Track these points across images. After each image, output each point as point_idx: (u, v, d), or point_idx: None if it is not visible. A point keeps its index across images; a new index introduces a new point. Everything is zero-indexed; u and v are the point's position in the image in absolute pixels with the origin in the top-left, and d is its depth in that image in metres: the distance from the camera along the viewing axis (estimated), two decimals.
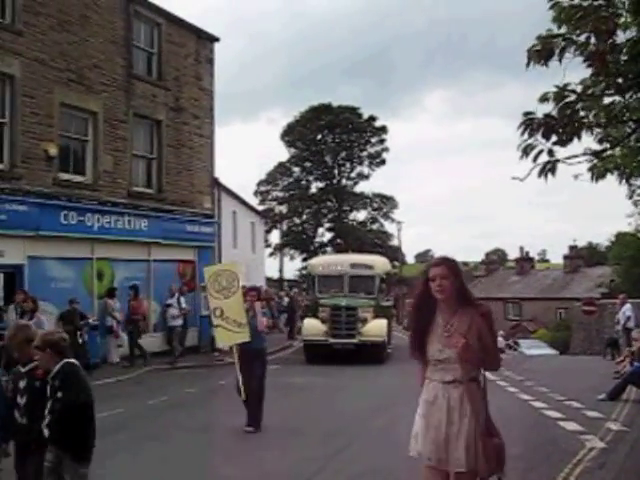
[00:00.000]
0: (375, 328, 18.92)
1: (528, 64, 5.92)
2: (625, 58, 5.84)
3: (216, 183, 23.65)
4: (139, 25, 20.31)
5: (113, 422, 10.50)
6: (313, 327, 19.15)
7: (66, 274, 17.18)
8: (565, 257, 56.08)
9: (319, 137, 66.51)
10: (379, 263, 21.69)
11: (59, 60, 17.15)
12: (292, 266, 66.09)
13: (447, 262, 4.27)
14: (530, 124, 5.87)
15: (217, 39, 23.29)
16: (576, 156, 6.15)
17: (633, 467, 7.64)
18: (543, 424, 10.26)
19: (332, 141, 66.79)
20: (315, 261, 23.53)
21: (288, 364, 18.55)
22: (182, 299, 19.18)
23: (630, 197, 17.54)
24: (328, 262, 21.81)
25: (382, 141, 66.94)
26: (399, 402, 11.36)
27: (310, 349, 19.32)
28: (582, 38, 5.82)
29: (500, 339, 35.34)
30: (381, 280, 20.39)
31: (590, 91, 6.02)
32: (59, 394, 4.84)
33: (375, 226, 68.56)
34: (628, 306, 20.54)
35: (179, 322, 18.95)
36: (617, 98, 6.28)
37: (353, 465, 7.85)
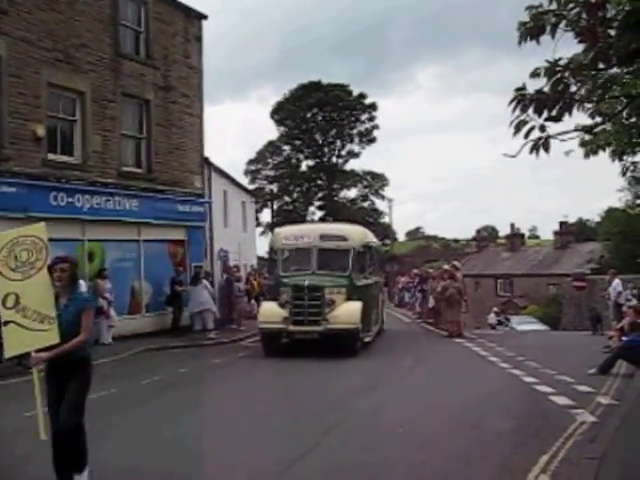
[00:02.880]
0: (346, 313, 15.57)
1: (520, 42, 5.90)
2: (615, 32, 5.83)
3: (206, 162, 23.53)
4: (126, 3, 20.06)
5: (109, 402, 10.56)
6: (270, 312, 15.96)
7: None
8: (555, 233, 56.32)
9: (309, 115, 66.44)
10: (355, 234, 18.05)
11: (46, 39, 16.96)
12: None
13: None
14: (522, 100, 5.85)
15: (205, 17, 23.07)
16: (568, 132, 6.15)
17: (623, 441, 7.71)
18: (534, 399, 10.35)
19: (322, 119, 66.74)
20: (279, 232, 19.38)
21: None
22: (82, 282, 16.61)
23: (623, 174, 17.53)
24: (294, 233, 17.95)
25: (372, 118, 66.96)
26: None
27: (268, 338, 16.15)
28: (573, 13, 5.81)
29: (492, 315, 35.54)
30: (358, 254, 16.96)
31: (580, 63, 6.00)
32: None
33: (366, 204, 68.79)
34: (617, 281, 20.71)
35: None
36: (608, 71, 6.28)
37: (347, 441, 7.90)
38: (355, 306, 15.88)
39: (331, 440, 7.99)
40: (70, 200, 17.26)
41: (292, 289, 15.82)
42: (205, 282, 20.04)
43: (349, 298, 15.97)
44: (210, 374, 13.78)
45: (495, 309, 38.17)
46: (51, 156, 17.18)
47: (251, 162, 69.44)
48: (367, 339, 16.89)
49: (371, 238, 20.03)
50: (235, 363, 15.24)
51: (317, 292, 15.64)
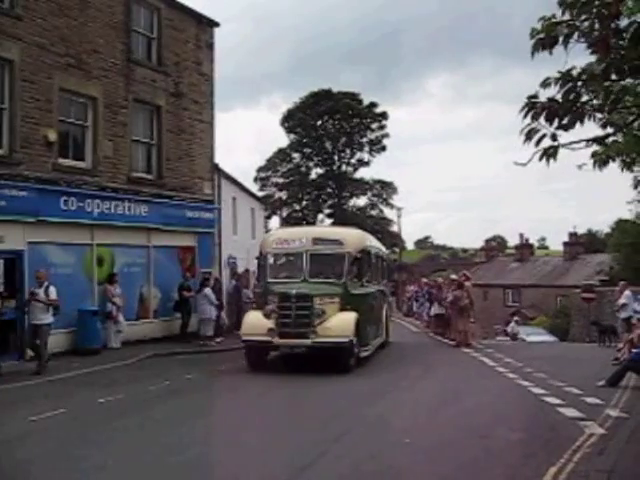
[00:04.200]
0: (337, 325, 14.17)
1: (533, 53, 5.90)
2: (628, 43, 5.82)
3: (216, 169, 23.57)
4: (139, 10, 20.16)
5: (116, 407, 10.57)
6: (254, 323, 14.65)
7: (66, 260, 17.18)
8: (565, 244, 56.14)
9: (319, 123, 66.54)
10: (352, 238, 16.47)
11: (58, 45, 17.05)
12: None
13: None
14: (533, 107, 5.84)
15: (217, 24, 23.15)
16: (579, 141, 6.13)
17: (632, 453, 7.67)
18: (542, 410, 10.29)
19: (332, 127, 66.80)
20: (269, 235, 18.41)
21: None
22: (52, 288, 14.52)
23: (635, 187, 17.31)
24: (284, 236, 16.54)
25: (382, 127, 66.98)
26: None
27: (252, 352, 14.85)
28: (586, 24, 5.80)
29: (513, 324, 35.12)
30: (354, 260, 15.52)
31: (592, 73, 5.99)
32: None
33: (375, 212, 68.66)
34: (626, 293, 20.44)
35: (49, 319, 14.43)
36: (620, 82, 6.27)
37: (354, 450, 7.87)
38: (348, 317, 14.50)
39: (339, 448, 7.97)
40: (80, 205, 17.31)
41: (279, 297, 14.50)
42: (206, 290, 19.90)
43: (343, 308, 14.63)
44: (217, 381, 13.78)
45: (516, 318, 37.65)
46: (62, 161, 17.24)
47: (261, 169, 69.52)
48: (364, 354, 15.43)
49: (371, 243, 18.64)
50: (242, 370, 15.17)
51: (306, 301, 14.29)
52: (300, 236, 16.18)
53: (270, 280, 15.44)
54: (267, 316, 14.50)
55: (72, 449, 7.94)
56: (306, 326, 14.12)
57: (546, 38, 5.79)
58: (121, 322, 17.96)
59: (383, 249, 22.02)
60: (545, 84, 6.06)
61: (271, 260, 16.01)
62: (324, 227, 22.30)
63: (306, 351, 14.45)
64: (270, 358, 15.47)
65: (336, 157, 68.16)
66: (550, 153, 5.95)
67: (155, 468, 7.23)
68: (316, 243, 15.57)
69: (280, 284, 15.14)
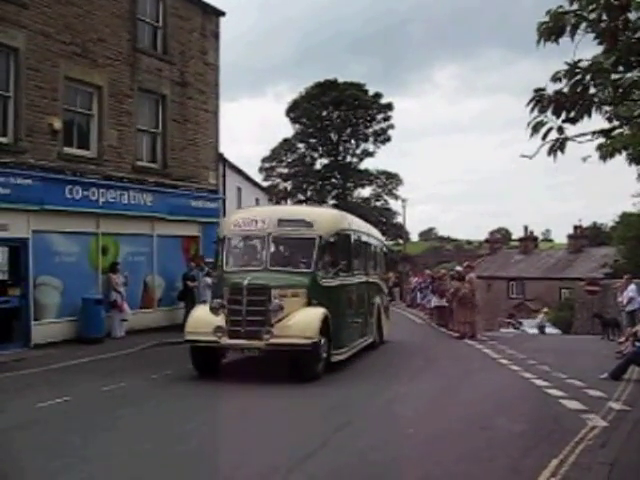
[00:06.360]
0: (299, 323, 11.87)
1: (539, 42, 5.85)
2: (637, 35, 5.78)
3: (221, 159, 23.57)
4: None
5: (118, 396, 10.60)
6: (200, 319, 12.41)
7: (71, 249, 17.21)
8: (569, 237, 56.06)
9: (324, 113, 66.35)
10: (325, 219, 13.88)
11: (64, 33, 17.03)
12: None
13: None
14: (540, 100, 5.80)
15: (223, 13, 23.09)
16: (585, 134, 6.09)
17: (635, 446, 7.67)
18: (545, 402, 10.29)
19: (337, 117, 66.63)
20: (229, 216, 16.16)
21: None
22: None
23: None
24: (246, 217, 13.95)
25: (387, 118, 66.78)
26: None
27: (197, 354, 12.50)
28: (594, 15, 5.75)
29: (542, 316, 35.10)
30: (327, 245, 13.13)
31: (600, 66, 5.94)
32: None
33: (379, 203, 68.56)
34: (632, 287, 20.36)
35: None
36: (627, 75, 6.22)
37: (355, 440, 7.89)
38: (314, 314, 12.15)
39: (341, 439, 7.98)
40: (85, 193, 17.33)
41: (229, 289, 12.27)
42: (205, 279, 19.97)
43: (310, 303, 12.40)
44: (219, 370, 13.77)
45: (545, 309, 37.60)
46: (67, 149, 17.25)
47: (266, 159, 69.49)
48: (337, 358, 12.98)
49: (351, 226, 15.26)
50: (245, 359, 15.17)
51: (260, 294, 11.91)
52: (264, 217, 13.68)
53: (225, 269, 13.18)
54: (215, 311, 12.21)
55: (76, 436, 7.97)
56: (260, 324, 11.78)
57: (553, 28, 5.74)
58: (126, 311, 18.00)
59: (376, 234, 19.80)
60: (555, 78, 6.01)
61: (230, 245, 13.70)
62: (292, 207, 19.34)
63: (260, 355, 12.36)
64: None
65: (341, 148, 68.05)
66: (557, 146, 5.90)
67: (158, 457, 7.25)
68: (282, 225, 13.21)
69: (236, 273, 12.83)
